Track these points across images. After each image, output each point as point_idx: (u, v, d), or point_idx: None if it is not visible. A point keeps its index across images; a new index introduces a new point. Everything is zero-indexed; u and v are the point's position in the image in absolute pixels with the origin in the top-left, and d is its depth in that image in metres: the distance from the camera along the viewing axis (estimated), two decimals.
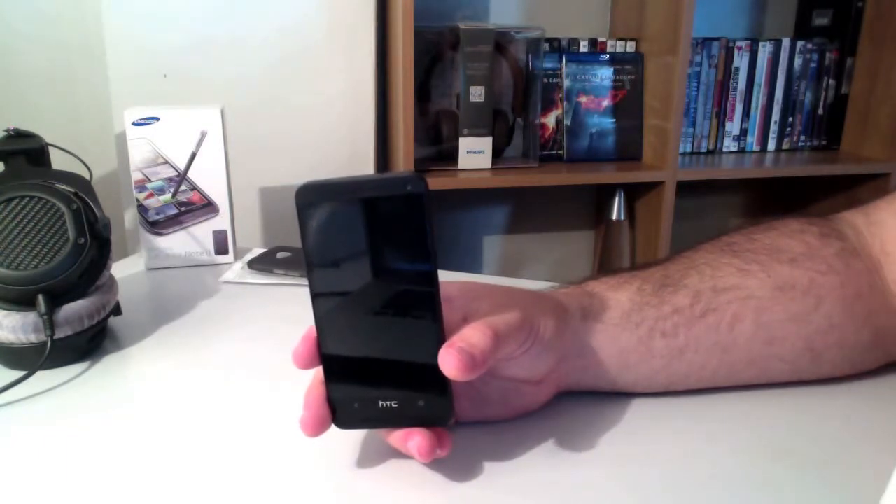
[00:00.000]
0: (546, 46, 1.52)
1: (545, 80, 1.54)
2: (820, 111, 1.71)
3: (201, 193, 0.73)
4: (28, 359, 0.49)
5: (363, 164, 1.34)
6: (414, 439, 0.35)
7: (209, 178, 0.73)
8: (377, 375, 0.36)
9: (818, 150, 1.73)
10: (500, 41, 1.47)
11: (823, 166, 1.59)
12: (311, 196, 0.34)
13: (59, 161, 0.61)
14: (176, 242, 0.73)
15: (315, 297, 0.36)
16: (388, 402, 0.36)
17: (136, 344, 0.55)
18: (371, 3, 1.27)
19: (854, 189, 1.64)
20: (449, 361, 0.33)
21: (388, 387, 0.36)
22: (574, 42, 1.57)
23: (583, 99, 1.57)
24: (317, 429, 0.36)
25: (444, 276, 0.69)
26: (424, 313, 0.35)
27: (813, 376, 0.45)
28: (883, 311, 0.45)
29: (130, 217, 1.18)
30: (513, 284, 0.48)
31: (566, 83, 1.56)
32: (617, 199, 1.60)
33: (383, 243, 0.35)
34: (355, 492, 0.36)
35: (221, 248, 0.74)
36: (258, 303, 0.64)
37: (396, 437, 0.37)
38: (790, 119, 1.70)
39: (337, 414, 0.37)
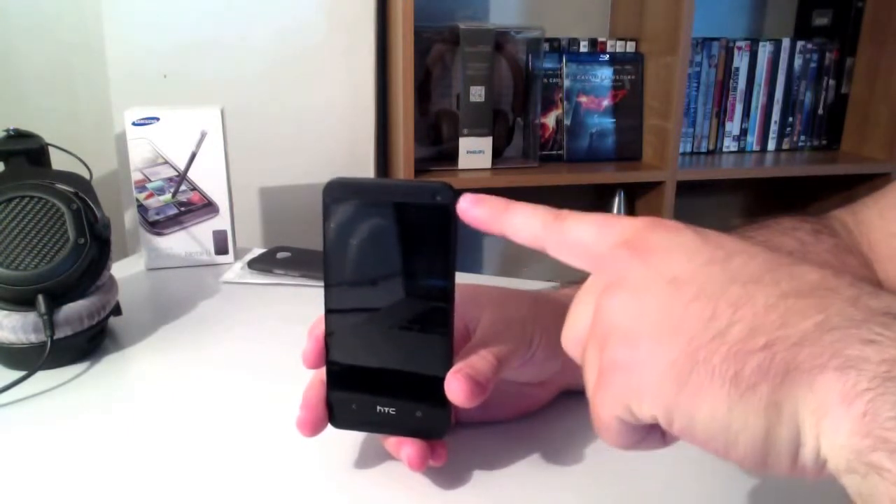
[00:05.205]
0: (546, 46, 1.52)
1: (545, 80, 1.54)
2: (820, 111, 1.71)
3: (201, 193, 0.73)
4: (28, 359, 0.49)
5: (363, 165, 1.34)
6: (406, 449, 0.35)
7: (209, 179, 0.73)
8: (379, 381, 0.36)
9: (818, 150, 1.73)
10: (500, 41, 1.47)
11: (823, 166, 1.60)
12: (339, 192, 0.34)
13: (59, 161, 0.61)
14: (176, 242, 0.73)
15: (328, 294, 0.35)
16: (387, 409, 0.36)
17: (136, 344, 0.55)
18: (371, 3, 1.27)
19: (854, 189, 1.64)
20: (456, 388, 0.33)
21: (388, 394, 0.36)
22: (574, 42, 1.57)
23: (583, 99, 1.57)
24: (314, 429, 0.36)
25: None
26: (436, 327, 0.34)
27: None
28: None
29: (130, 217, 1.18)
30: (513, 284, 0.48)
31: (566, 83, 1.56)
32: (617, 199, 1.60)
33: (404, 250, 0.34)
34: (355, 492, 0.36)
35: (221, 248, 0.74)
36: (258, 303, 0.64)
37: (391, 443, 0.37)
38: (790, 119, 1.70)
39: (334, 413, 0.36)
